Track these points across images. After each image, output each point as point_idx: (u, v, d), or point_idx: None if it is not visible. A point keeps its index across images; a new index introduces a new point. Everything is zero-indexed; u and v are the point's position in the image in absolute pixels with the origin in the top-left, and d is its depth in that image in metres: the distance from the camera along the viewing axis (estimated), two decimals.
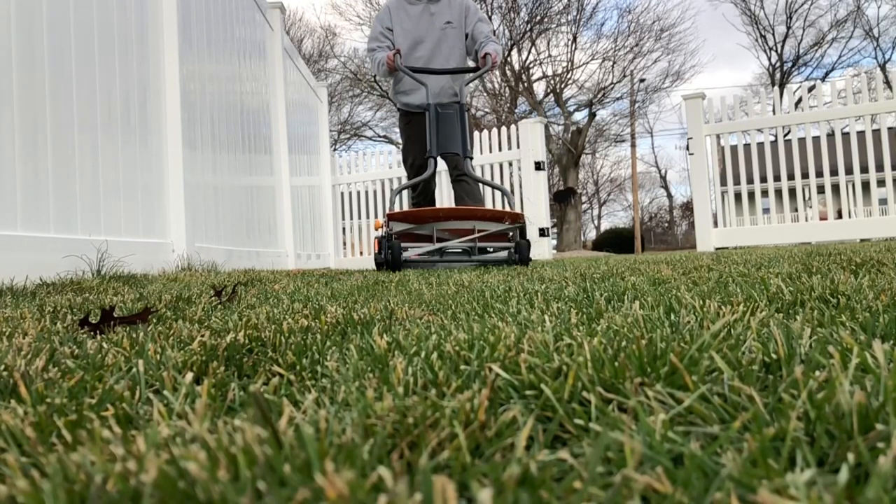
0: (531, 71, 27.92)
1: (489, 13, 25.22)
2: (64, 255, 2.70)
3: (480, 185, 4.63)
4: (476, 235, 3.89)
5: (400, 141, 5.08)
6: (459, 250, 3.96)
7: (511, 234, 3.98)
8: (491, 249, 4.03)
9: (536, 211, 7.35)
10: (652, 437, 0.50)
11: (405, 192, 6.02)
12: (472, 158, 4.38)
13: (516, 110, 27.46)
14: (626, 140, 28.60)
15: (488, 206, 7.21)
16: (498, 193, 7.60)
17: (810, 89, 18.46)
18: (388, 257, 3.69)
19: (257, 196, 5.77)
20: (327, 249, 8.52)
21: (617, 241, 25.83)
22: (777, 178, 6.96)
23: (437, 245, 3.90)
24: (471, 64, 4.74)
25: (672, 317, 1.07)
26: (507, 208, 4.32)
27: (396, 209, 4.56)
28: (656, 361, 0.69)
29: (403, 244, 3.78)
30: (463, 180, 4.53)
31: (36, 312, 1.56)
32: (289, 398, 0.72)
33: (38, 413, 0.63)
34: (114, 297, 1.93)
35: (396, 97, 4.81)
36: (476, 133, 7.65)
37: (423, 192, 4.77)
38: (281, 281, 2.80)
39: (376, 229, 4.21)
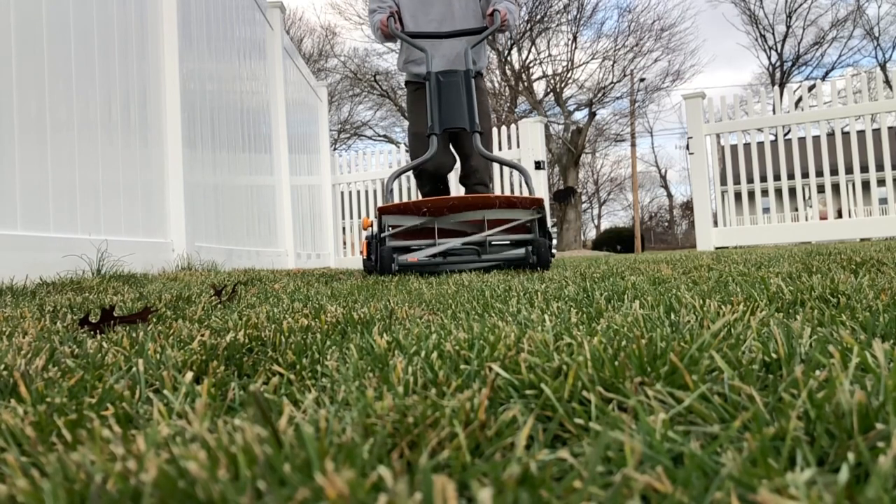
0: (531, 70, 27.94)
1: None
2: (64, 255, 2.70)
3: (490, 179, 3.90)
4: (483, 218, 3.18)
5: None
6: (466, 250, 3.21)
7: (529, 225, 3.22)
8: (508, 242, 3.28)
9: None
10: (652, 437, 0.50)
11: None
12: (483, 134, 3.58)
13: (516, 110, 27.46)
14: (626, 139, 28.59)
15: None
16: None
17: (810, 89, 18.45)
18: (378, 262, 3.04)
19: (257, 195, 5.77)
20: (327, 249, 8.52)
21: (617, 240, 25.80)
22: (777, 178, 6.96)
23: (440, 242, 3.13)
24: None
25: (672, 316, 1.07)
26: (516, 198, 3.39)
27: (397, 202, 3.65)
28: (656, 361, 0.69)
29: (397, 244, 3.10)
30: (474, 189, 3.86)
31: (36, 312, 1.56)
32: (289, 397, 0.72)
33: (38, 412, 0.63)
34: (114, 297, 1.93)
35: (406, 67, 4.04)
36: None
37: (430, 181, 3.91)
38: (281, 280, 2.80)
39: (364, 228, 3.49)
